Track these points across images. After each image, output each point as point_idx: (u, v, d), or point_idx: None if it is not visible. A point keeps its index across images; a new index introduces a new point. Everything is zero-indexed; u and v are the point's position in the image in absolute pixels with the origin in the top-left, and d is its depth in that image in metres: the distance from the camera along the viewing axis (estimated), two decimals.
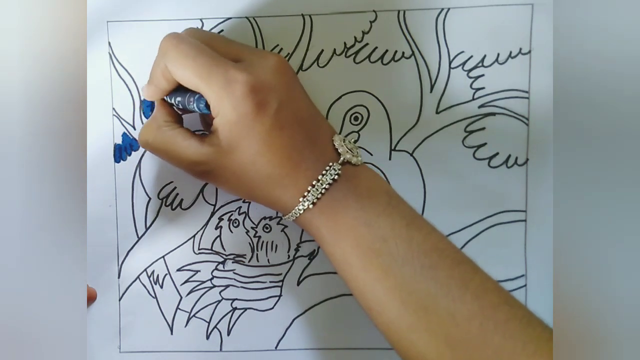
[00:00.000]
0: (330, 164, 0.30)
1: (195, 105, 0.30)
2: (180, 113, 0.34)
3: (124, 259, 0.37)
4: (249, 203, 0.37)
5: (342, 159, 0.31)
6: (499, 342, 0.27)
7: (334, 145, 0.31)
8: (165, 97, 0.33)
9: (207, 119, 0.35)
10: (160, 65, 0.31)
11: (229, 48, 0.31)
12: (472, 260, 0.30)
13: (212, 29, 0.35)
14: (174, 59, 0.30)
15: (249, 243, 0.37)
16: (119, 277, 0.37)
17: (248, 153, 0.30)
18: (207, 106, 0.30)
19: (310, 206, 0.30)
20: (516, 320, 0.28)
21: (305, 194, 0.30)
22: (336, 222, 0.30)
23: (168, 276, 0.37)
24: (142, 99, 0.36)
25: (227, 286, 0.37)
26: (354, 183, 0.30)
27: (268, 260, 0.37)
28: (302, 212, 0.30)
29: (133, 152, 0.37)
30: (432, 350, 0.28)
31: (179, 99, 0.32)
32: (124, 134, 0.37)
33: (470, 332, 0.28)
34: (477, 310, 0.28)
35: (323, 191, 0.30)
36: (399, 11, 0.35)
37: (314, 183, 0.30)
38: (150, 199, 0.37)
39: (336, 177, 0.30)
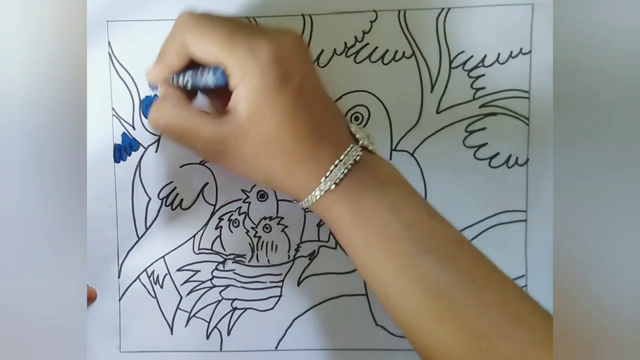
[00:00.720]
0: (351, 145, 0.29)
1: (211, 75, 0.29)
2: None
3: (124, 259, 0.37)
4: (249, 203, 0.37)
5: (361, 142, 0.30)
6: (524, 335, 0.27)
7: (351, 130, 0.30)
8: (170, 81, 0.31)
9: (217, 105, 0.33)
10: (175, 39, 0.30)
11: (247, 24, 0.31)
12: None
13: None
14: (193, 30, 0.29)
15: (249, 243, 0.37)
16: (119, 277, 0.37)
17: (270, 125, 0.28)
18: (224, 78, 0.29)
19: (333, 186, 0.29)
20: (538, 315, 0.27)
21: (328, 173, 0.29)
22: (359, 205, 0.29)
23: (168, 276, 0.37)
24: (141, 98, 0.36)
25: (227, 286, 0.37)
26: (374, 169, 0.30)
27: (268, 260, 0.37)
28: (322, 193, 0.29)
29: (133, 152, 0.37)
30: (456, 339, 0.27)
31: (188, 76, 0.30)
32: (123, 134, 0.37)
33: (495, 322, 0.27)
34: (501, 301, 0.27)
35: (346, 171, 0.29)
36: (399, 11, 0.35)
37: (336, 162, 0.29)
38: (150, 199, 0.37)
39: (357, 158, 0.29)
